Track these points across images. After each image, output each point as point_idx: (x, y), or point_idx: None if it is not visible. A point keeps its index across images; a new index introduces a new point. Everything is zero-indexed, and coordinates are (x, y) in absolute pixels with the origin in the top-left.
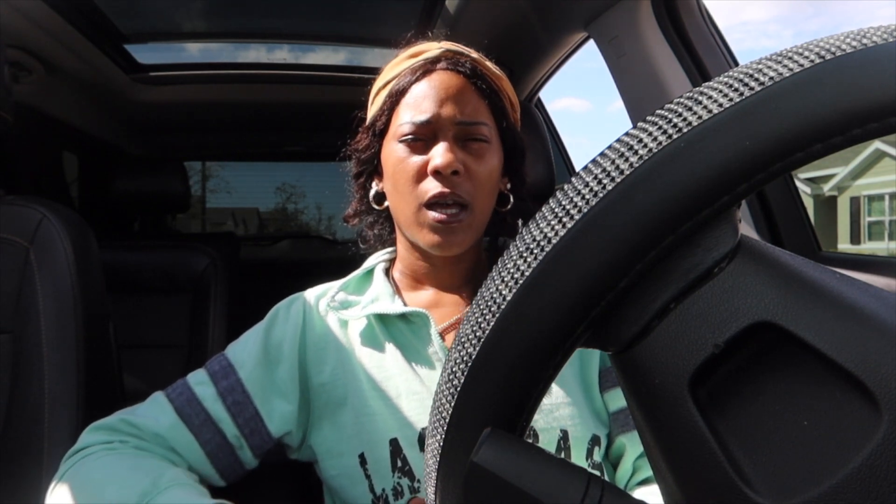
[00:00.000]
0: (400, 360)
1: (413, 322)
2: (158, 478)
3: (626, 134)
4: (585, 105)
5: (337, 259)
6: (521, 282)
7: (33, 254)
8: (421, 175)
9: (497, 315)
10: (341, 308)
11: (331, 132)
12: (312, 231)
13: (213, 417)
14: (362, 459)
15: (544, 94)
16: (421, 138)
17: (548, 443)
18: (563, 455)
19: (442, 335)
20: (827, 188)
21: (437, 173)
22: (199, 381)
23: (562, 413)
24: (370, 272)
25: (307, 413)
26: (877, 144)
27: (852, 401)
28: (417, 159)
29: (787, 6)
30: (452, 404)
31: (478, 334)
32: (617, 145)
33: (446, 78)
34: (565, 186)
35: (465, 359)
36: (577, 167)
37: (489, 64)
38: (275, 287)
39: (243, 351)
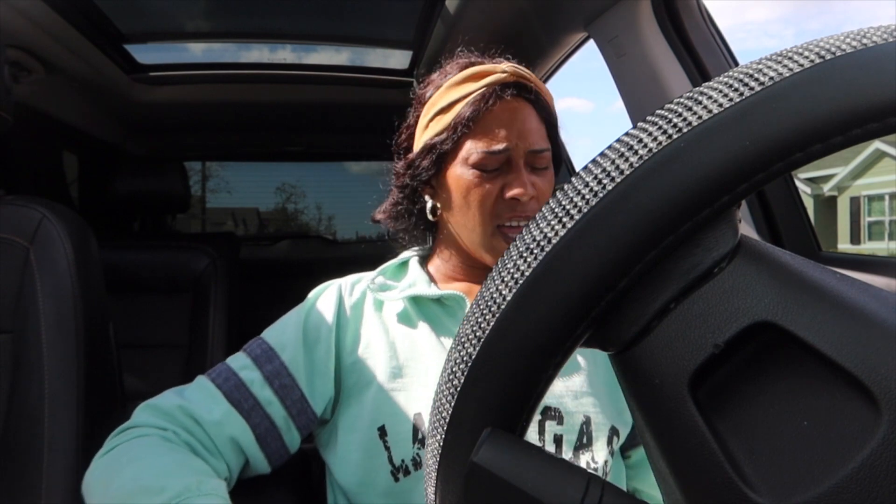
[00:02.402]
0: (432, 338)
1: (448, 305)
2: (202, 482)
3: (626, 134)
4: (588, 105)
5: (337, 259)
6: (521, 282)
7: (33, 254)
8: (496, 200)
9: (497, 315)
10: (380, 290)
11: (331, 132)
12: (312, 231)
13: (261, 402)
14: (382, 431)
15: None
16: (495, 165)
17: (571, 426)
18: (585, 439)
19: None
20: (827, 188)
21: (515, 200)
22: (243, 366)
23: (586, 400)
24: (405, 263)
25: (339, 391)
26: (877, 144)
27: (852, 401)
28: (492, 186)
29: (790, 6)
30: (452, 404)
31: (478, 334)
32: (617, 145)
33: (517, 106)
34: (565, 186)
35: (465, 359)
36: (579, 168)
37: (542, 85)
38: (275, 287)
39: (282, 334)
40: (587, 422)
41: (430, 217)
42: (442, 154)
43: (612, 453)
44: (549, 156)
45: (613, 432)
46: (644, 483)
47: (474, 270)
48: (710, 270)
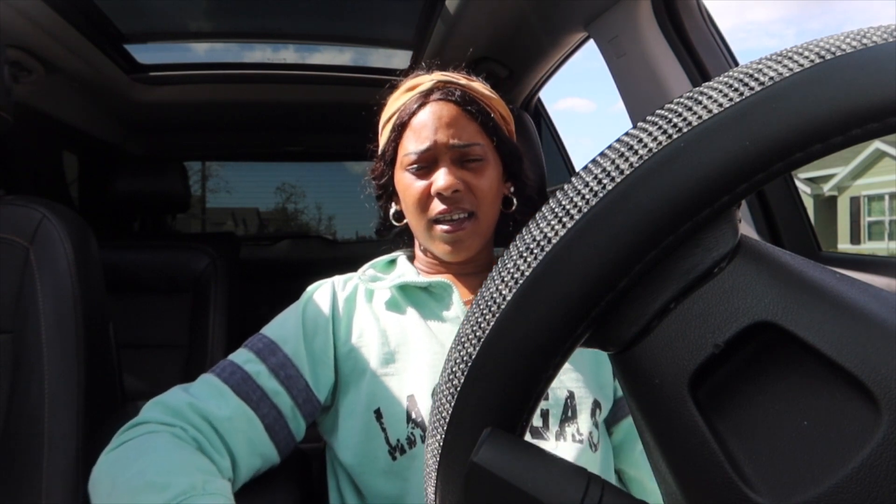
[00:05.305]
0: (421, 323)
1: (435, 292)
2: (207, 482)
3: (626, 134)
4: (590, 105)
5: (337, 259)
6: (521, 282)
7: (33, 254)
8: (427, 197)
9: (497, 315)
10: (370, 281)
11: (331, 132)
12: (312, 231)
13: (268, 393)
14: (378, 414)
15: (546, 94)
16: (424, 165)
17: (556, 401)
18: (569, 412)
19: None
20: (827, 188)
21: (440, 194)
22: (247, 360)
23: (568, 376)
24: (393, 261)
25: (338, 379)
26: (877, 144)
27: (852, 401)
28: (422, 183)
29: (792, 6)
30: (452, 404)
31: (478, 334)
32: (617, 145)
33: (439, 108)
34: (565, 186)
35: (465, 359)
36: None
37: (478, 86)
38: (275, 287)
39: (282, 328)
40: (571, 396)
41: (393, 222)
42: (390, 161)
43: (595, 425)
44: (479, 150)
45: (596, 405)
46: (627, 463)
47: (452, 266)
48: (710, 270)
